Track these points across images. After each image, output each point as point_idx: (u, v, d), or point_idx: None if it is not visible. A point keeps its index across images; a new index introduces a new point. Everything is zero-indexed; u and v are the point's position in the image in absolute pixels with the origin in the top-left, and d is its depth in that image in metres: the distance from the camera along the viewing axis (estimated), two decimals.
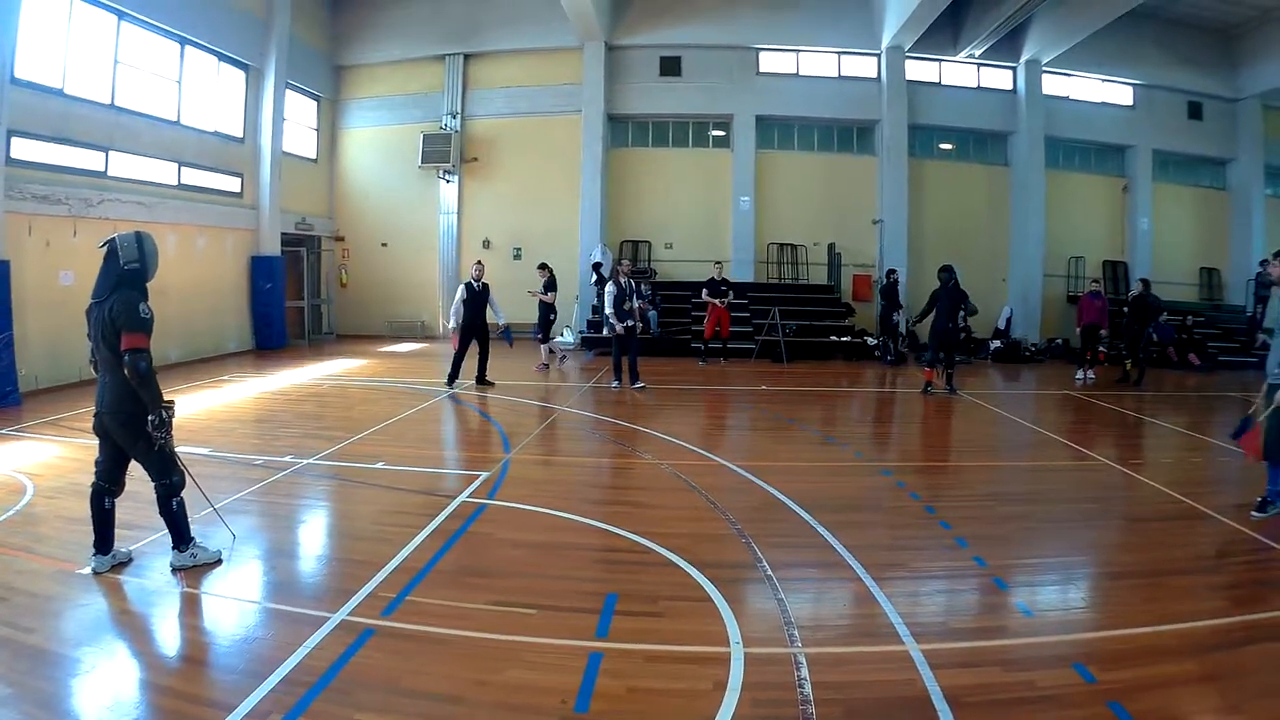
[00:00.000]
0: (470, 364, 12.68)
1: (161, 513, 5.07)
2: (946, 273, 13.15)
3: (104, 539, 5.03)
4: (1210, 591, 5.03)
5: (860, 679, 3.83)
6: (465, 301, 12.42)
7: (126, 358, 4.70)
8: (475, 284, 12.59)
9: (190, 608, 4.56)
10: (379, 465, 7.76)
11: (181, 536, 5.11)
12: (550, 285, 14.91)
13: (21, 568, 5.00)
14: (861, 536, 5.81)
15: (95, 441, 5.08)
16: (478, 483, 7.15)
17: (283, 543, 5.82)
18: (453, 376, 12.55)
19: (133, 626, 4.31)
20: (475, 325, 12.50)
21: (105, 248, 4.91)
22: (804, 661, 3.93)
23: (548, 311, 14.87)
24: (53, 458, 7.97)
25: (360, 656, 3.95)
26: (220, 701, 3.49)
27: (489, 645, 4.12)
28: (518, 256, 20.16)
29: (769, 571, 5.09)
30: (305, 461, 7.80)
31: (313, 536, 6.13)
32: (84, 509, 5.06)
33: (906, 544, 5.79)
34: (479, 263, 13.16)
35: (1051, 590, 5.07)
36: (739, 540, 5.69)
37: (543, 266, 15.16)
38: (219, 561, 5.17)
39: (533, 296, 14.97)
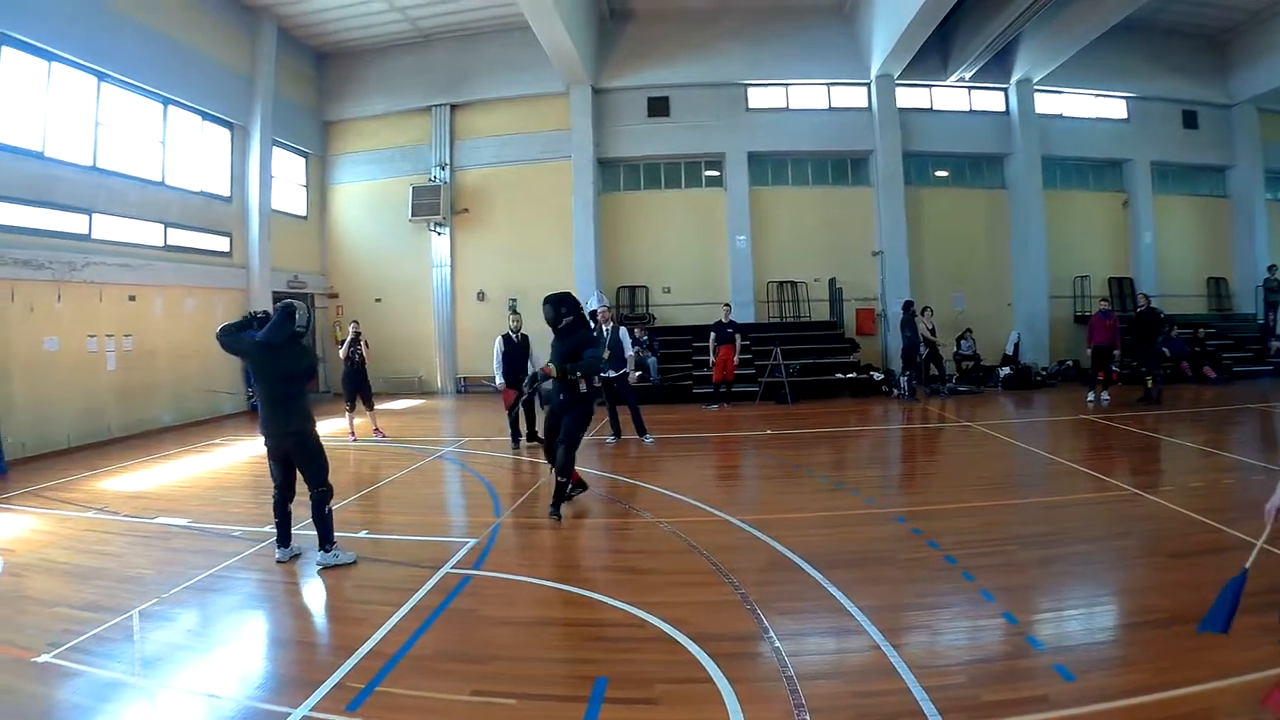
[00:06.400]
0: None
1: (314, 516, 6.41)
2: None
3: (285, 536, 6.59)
4: (1267, 635, 4.35)
5: None
6: (504, 355, 11.93)
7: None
8: (514, 335, 12.06)
9: (142, 702, 4.12)
10: (362, 534, 7.35)
11: (327, 538, 6.39)
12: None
13: None
14: (878, 595, 5.30)
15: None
16: (464, 550, 6.67)
17: (248, 626, 5.35)
18: (514, 435, 12.07)
19: None
20: (518, 380, 11.29)
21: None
22: None
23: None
24: (28, 530, 7.69)
25: None
26: None
27: None
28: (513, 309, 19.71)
29: (777, 643, 4.59)
30: None
31: (281, 618, 5.61)
32: (53, 588, 5.71)
33: (927, 602, 5.26)
34: (515, 312, 12.77)
35: (1091, 647, 4.53)
36: (743, 607, 5.18)
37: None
38: (354, 563, 6.38)
39: None
